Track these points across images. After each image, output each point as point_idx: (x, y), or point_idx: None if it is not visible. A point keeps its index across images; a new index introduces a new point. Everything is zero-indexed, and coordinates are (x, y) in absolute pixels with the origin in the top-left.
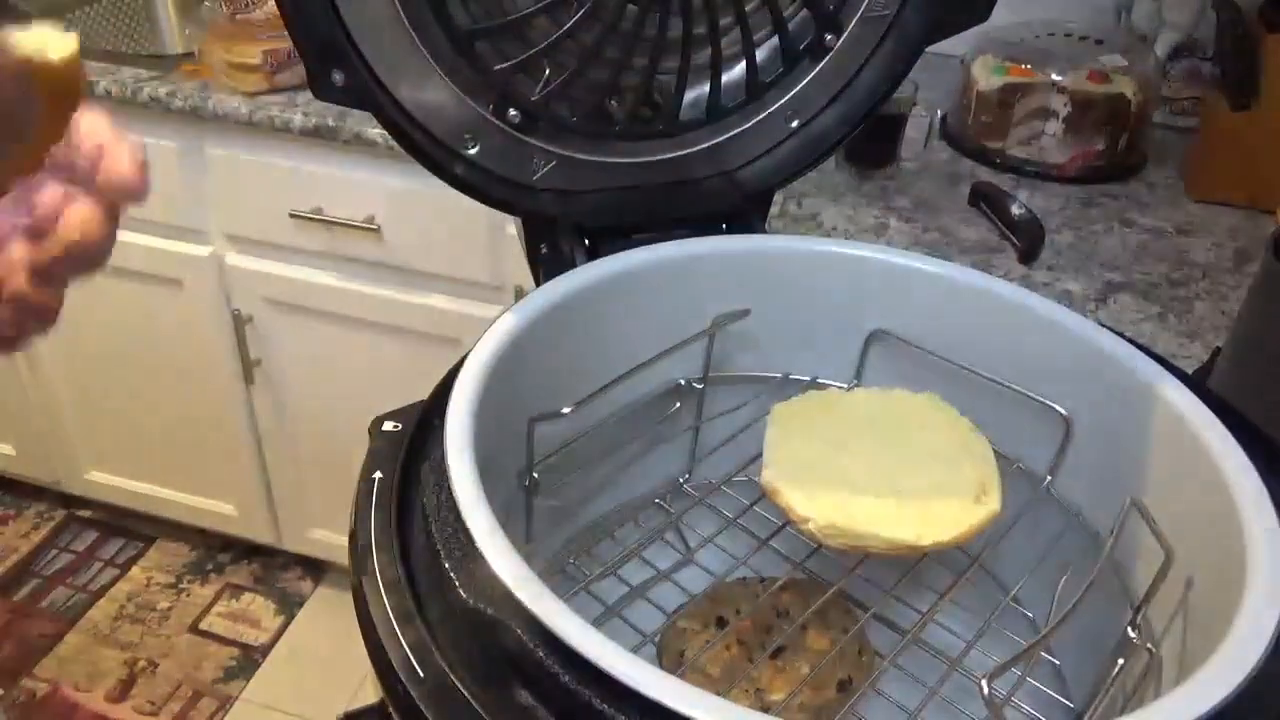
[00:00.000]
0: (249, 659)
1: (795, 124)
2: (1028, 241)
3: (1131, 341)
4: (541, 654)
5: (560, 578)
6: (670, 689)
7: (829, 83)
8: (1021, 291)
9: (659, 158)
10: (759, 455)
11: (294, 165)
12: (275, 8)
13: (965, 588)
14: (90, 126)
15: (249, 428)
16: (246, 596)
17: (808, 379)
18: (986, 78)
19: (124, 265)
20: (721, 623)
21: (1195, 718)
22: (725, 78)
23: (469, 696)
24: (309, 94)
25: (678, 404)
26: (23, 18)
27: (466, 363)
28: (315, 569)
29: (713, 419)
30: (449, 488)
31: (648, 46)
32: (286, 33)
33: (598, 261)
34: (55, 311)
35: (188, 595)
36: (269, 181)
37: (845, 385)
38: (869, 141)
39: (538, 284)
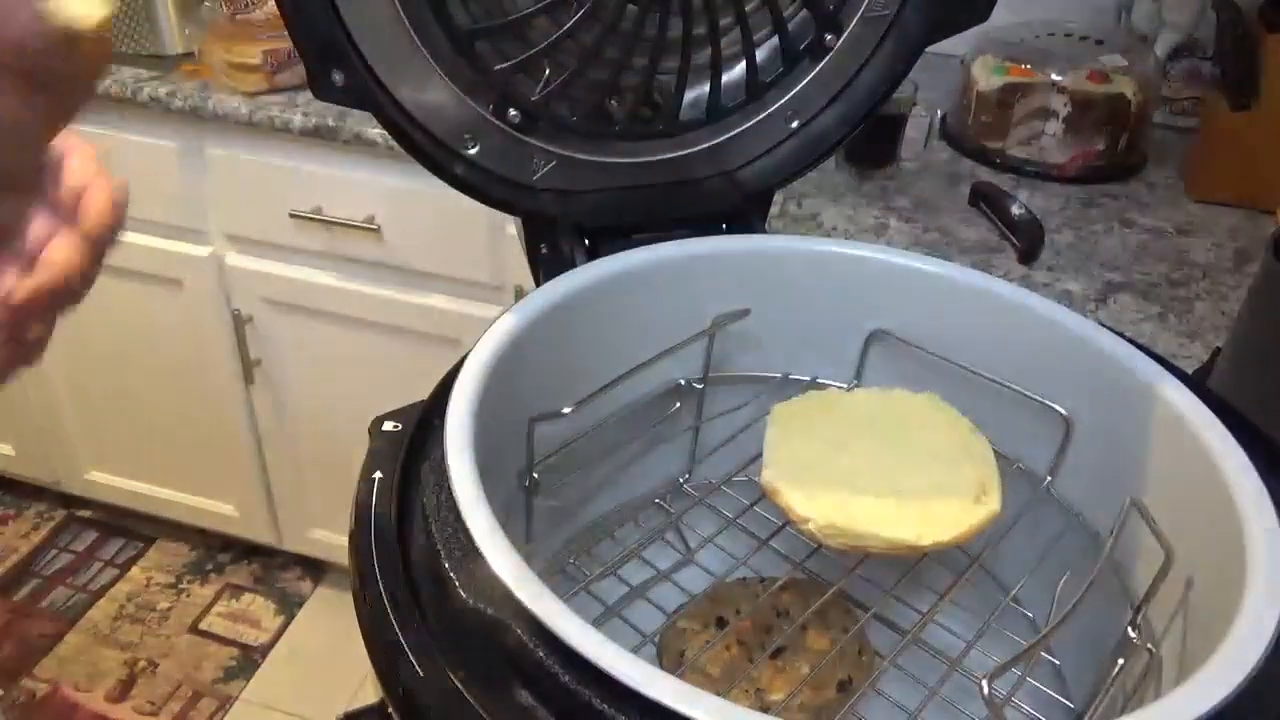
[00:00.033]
0: (249, 659)
1: (795, 124)
2: (1028, 241)
3: (1131, 341)
4: (541, 654)
5: (560, 578)
6: (670, 689)
7: (829, 83)
8: (1021, 291)
9: (659, 158)
10: (759, 455)
11: (294, 165)
12: (275, 8)
13: (965, 588)
14: (77, 163)
15: (249, 428)
16: (246, 596)
17: (808, 379)
18: (986, 78)
19: (124, 265)
20: (721, 623)
21: (1195, 718)
22: (725, 78)
23: (469, 696)
24: (309, 94)
25: (678, 404)
26: None
27: (466, 363)
28: (315, 569)
29: (713, 419)
30: (449, 488)
31: (648, 46)
32: (286, 33)
33: (598, 261)
34: (42, 344)
35: (188, 595)
36: (269, 181)
37: (845, 385)
38: (869, 141)
39: (538, 284)
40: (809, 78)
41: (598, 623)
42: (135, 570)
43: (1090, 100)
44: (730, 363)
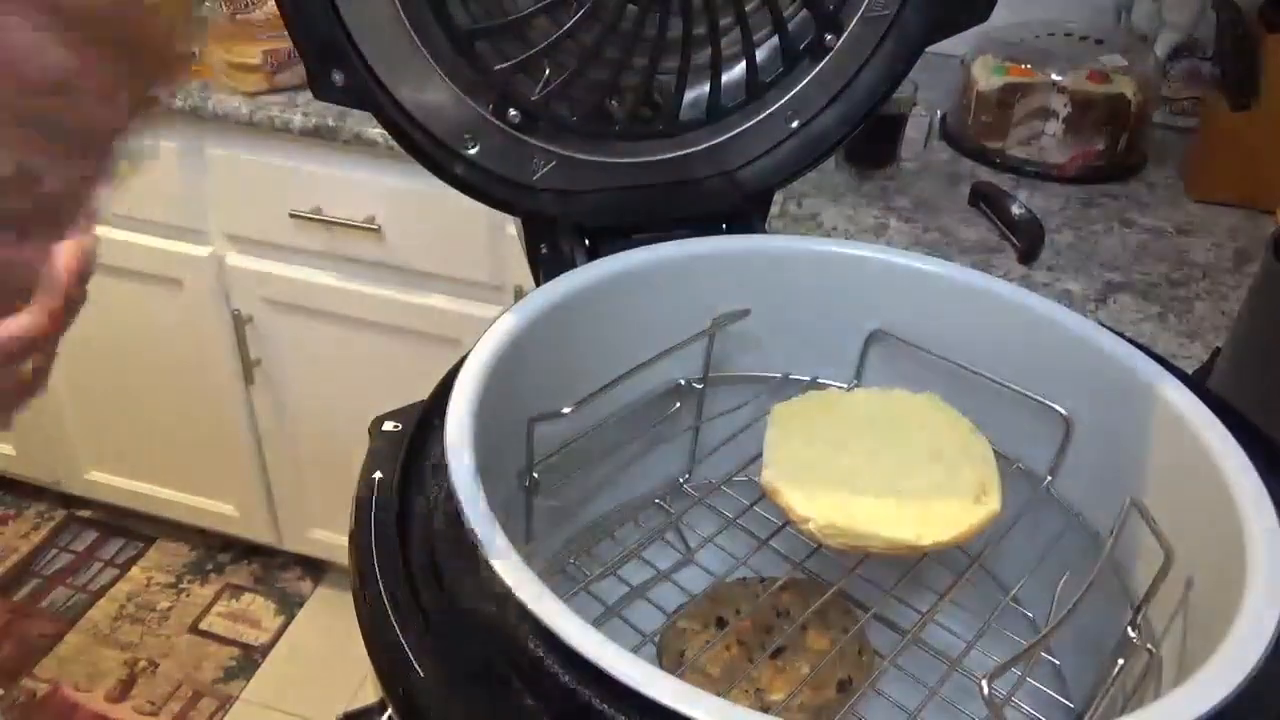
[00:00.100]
0: (249, 659)
1: (795, 124)
2: (1028, 241)
3: (1131, 341)
4: (541, 654)
5: (560, 578)
6: (670, 689)
7: (829, 83)
8: (1021, 291)
9: (659, 158)
10: (759, 455)
11: (294, 165)
12: (275, 8)
13: (965, 588)
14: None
15: (249, 428)
16: (246, 596)
17: (808, 379)
18: (986, 78)
19: (124, 265)
20: (721, 623)
21: (1195, 718)
22: (725, 78)
23: (469, 696)
24: (309, 94)
25: (678, 404)
26: None
27: (466, 363)
28: (315, 569)
29: (713, 419)
30: (449, 488)
31: (648, 46)
32: (286, 33)
33: (598, 261)
34: (43, 374)
35: (188, 595)
36: (269, 181)
37: (845, 385)
38: (869, 141)
39: (538, 284)
40: (809, 78)
41: (598, 623)
42: (135, 570)
43: (1090, 100)
44: (730, 363)
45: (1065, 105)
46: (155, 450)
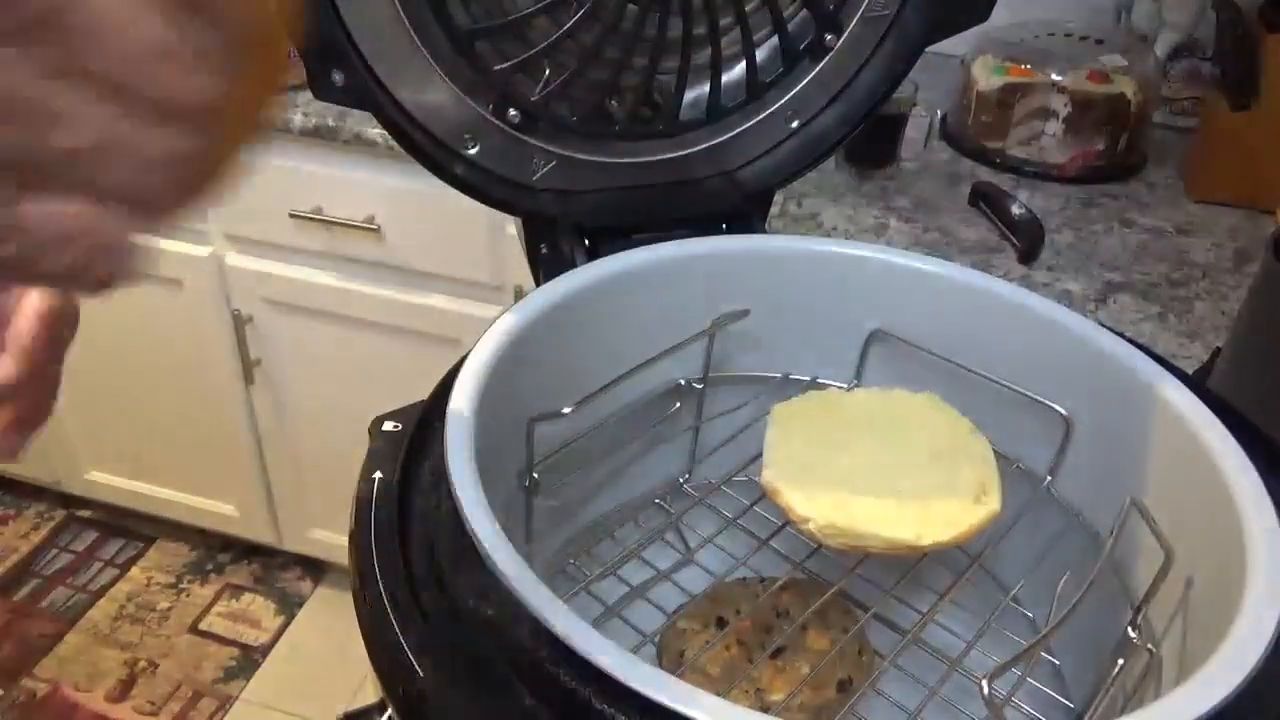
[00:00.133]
0: (249, 659)
1: (795, 124)
2: (1028, 241)
3: (1131, 341)
4: (541, 654)
5: (560, 578)
6: (670, 689)
7: (829, 83)
8: (1021, 291)
9: (659, 158)
10: (759, 455)
11: (294, 165)
12: None
13: (965, 588)
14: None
15: (249, 428)
16: (246, 596)
17: (808, 379)
18: (986, 78)
19: None
20: (721, 623)
21: (1195, 718)
22: (725, 78)
23: (469, 696)
24: (309, 94)
25: (678, 404)
26: None
27: (466, 363)
28: (315, 569)
29: (713, 419)
30: (449, 487)
31: (648, 46)
32: None
33: (598, 261)
34: (44, 405)
35: (188, 595)
36: (269, 181)
37: (845, 385)
38: (869, 141)
39: (538, 284)
40: (809, 78)
41: (598, 623)
42: (135, 570)
43: (1090, 100)
44: (730, 363)
45: (1065, 105)
46: (155, 450)
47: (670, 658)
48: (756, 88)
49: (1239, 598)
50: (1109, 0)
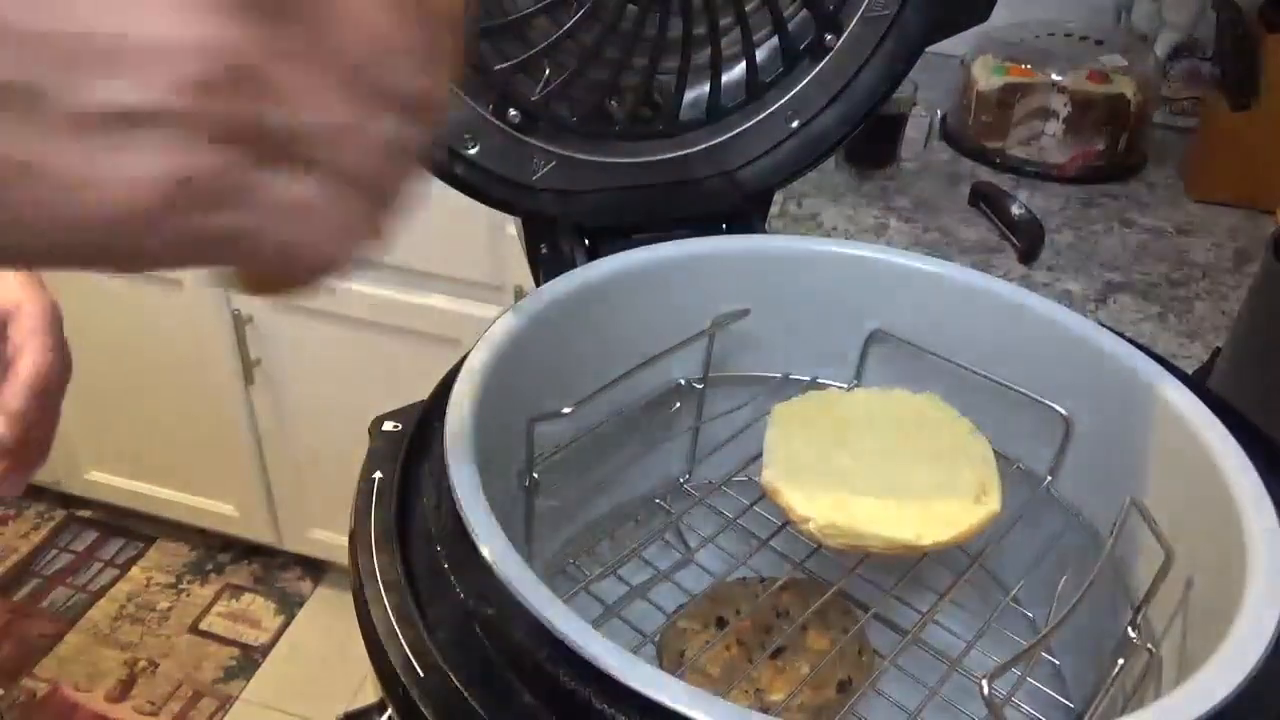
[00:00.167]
0: (249, 659)
1: (795, 124)
2: (1028, 241)
3: (1131, 341)
4: (541, 654)
5: (560, 578)
6: (670, 689)
7: (829, 83)
8: (1021, 291)
9: (659, 158)
10: (759, 455)
11: None
12: None
13: (965, 588)
14: (23, 321)
15: (249, 428)
16: (246, 596)
17: (808, 379)
18: (986, 78)
19: None
20: (721, 623)
21: (1195, 718)
22: (725, 78)
23: (469, 696)
24: None
25: (678, 404)
26: None
27: (466, 363)
28: (315, 569)
29: (713, 419)
30: (449, 488)
31: (648, 46)
32: None
33: (598, 261)
34: (44, 444)
35: (188, 595)
36: None
37: (845, 385)
38: (869, 141)
39: (538, 284)
40: (809, 78)
41: (598, 623)
42: (135, 570)
43: (1090, 100)
44: (730, 363)
45: (1065, 105)
46: (155, 450)
47: (670, 658)
48: (756, 88)
49: (1239, 598)
50: (1109, 0)
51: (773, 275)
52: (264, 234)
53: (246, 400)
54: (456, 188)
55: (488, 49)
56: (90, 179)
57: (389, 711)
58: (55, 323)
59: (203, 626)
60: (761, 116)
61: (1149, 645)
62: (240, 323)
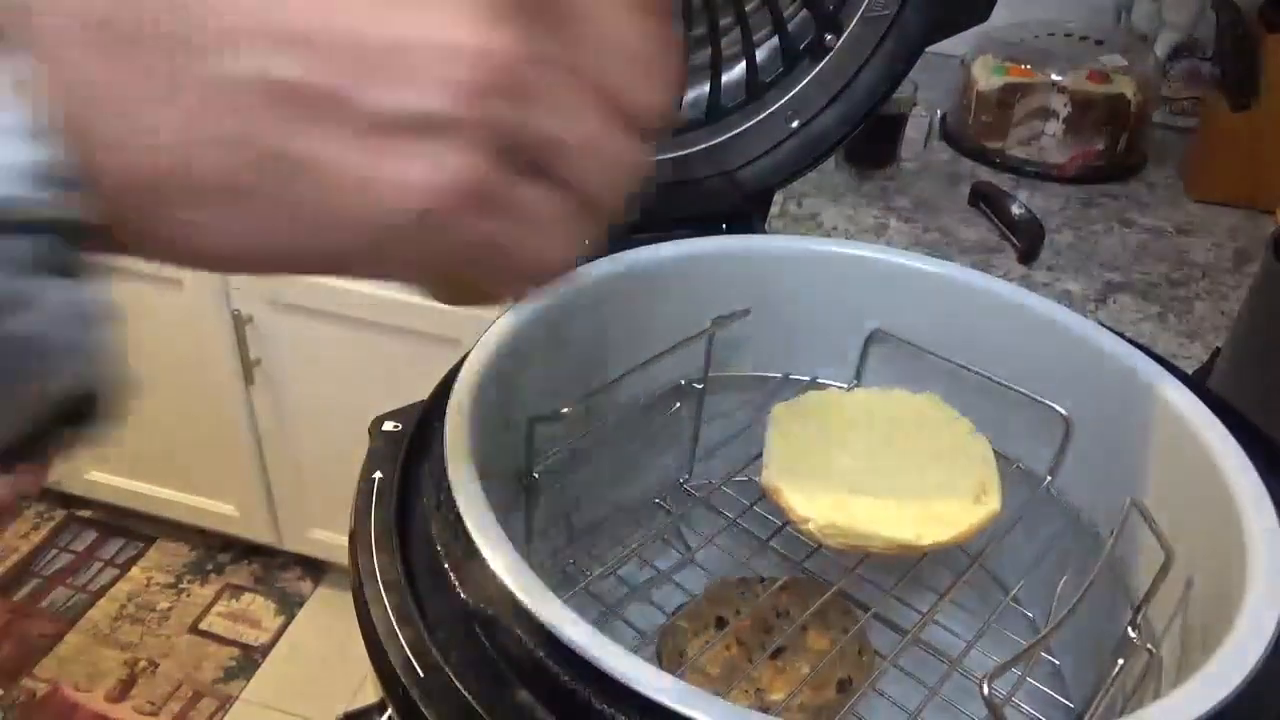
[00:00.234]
0: (249, 659)
1: (795, 124)
2: (1028, 241)
3: (1131, 341)
4: (541, 654)
5: (560, 578)
6: (670, 689)
7: (829, 83)
8: (1021, 291)
9: (659, 158)
10: (759, 455)
11: None
12: None
13: (965, 588)
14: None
15: (249, 428)
16: (246, 596)
17: (808, 379)
18: (986, 78)
19: (124, 265)
20: (721, 623)
21: (1195, 718)
22: (725, 78)
23: (469, 696)
24: None
25: (678, 404)
26: None
27: (467, 363)
28: (315, 569)
29: (713, 419)
30: (449, 488)
31: None
32: None
33: (597, 261)
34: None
35: (188, 595)
36: None
37: (845, 385)
38: (869, 141)
39: None
40: (809, 78)
41: (598, 623)
42: (135, 570)
43: (1090, 100)
44: (730, 363)
45: (1065, 105)
46: (155, 450)
47: (670, 658)
48: (756, 88)
49: (1239, 598)
50: (1109, 0)
51: (773, 275)
52: (517, 243)
53: (246, 400)
54: None
55: None
56: (372, 181)
57: (389, 711)
58: None
59: (203, 626)
60: (761, 116)
61: (1149, 645)
62: (240, 323)
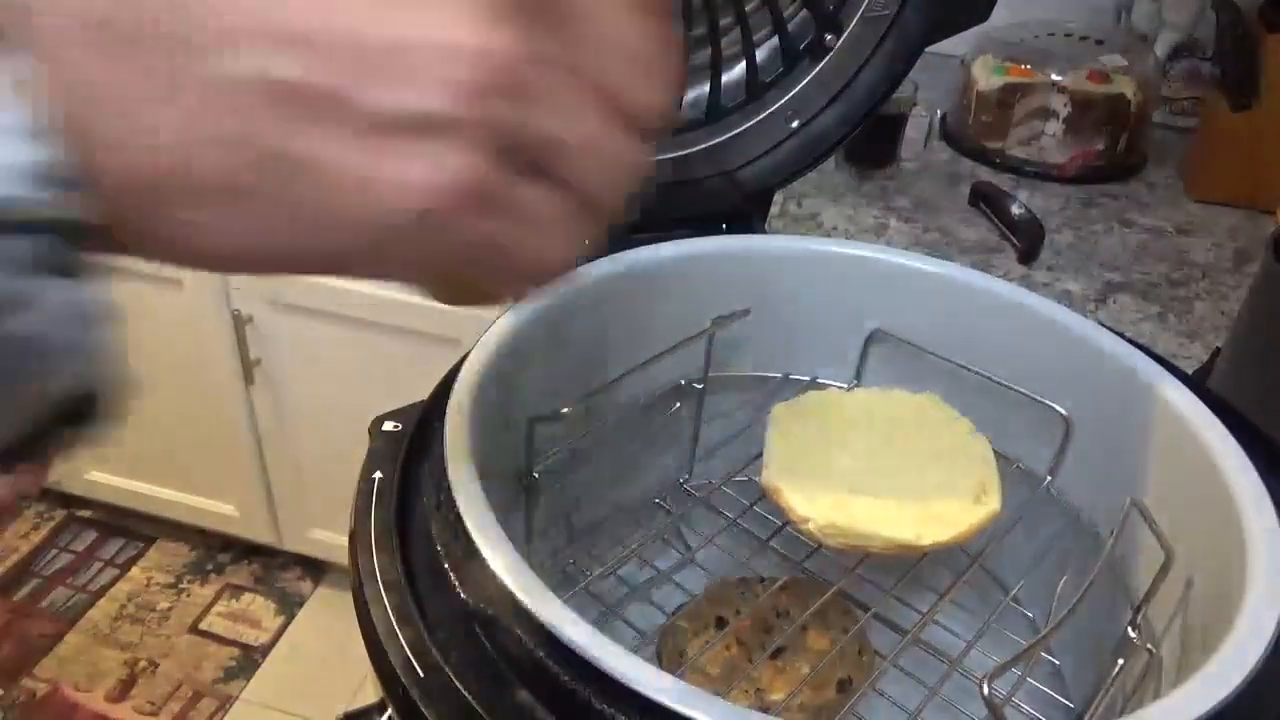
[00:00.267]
0: (249, 659)
1: (795, 124)
2: (1028, 241)
3: (1131, 341)
4: (541, 654)
5: (560, 578)
6: (670, 689)
7: (829, 83)
8: (1020, 291)
9: (659, 158)
10: (759, 455)
11: None
12: None
13: (965, 588)
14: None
15: (249, 428)
16: (246, 596)
17: (808, 379)
18: (986, 78)
19: (125, 265)
20: (721, 623)
21: (1195, 718)
22: (725, 78)
23: (469, 696)
24: None
25: (678, 404)
26: None
27: (467, 362)
28: (315, 569)
29: (713, 419)
30: (449, 488)
31: None
32: None
33: (597, 261)
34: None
35: (188, 595)
36: None
37: (845, 385)
38: (869, 141)
39: None
40: (809, 78)
41: (598, 623)
42: (135, 570)
43: (1090, 100)
44: (730, 363)
45: (1065, 105)
46: (155, 450)
47: (670, 658)
48: (756, 88)
49: (1239, 598)
50: (1109, 0)
51: (773, 275)
52: (517, 243)
53: (246, 400)
54: None
55: None
56: (373, 181)
57: (389, 711)
58: None
59: (203, 626)
60: (761, 116)
61: (1149, 645)
62: (240, 323)
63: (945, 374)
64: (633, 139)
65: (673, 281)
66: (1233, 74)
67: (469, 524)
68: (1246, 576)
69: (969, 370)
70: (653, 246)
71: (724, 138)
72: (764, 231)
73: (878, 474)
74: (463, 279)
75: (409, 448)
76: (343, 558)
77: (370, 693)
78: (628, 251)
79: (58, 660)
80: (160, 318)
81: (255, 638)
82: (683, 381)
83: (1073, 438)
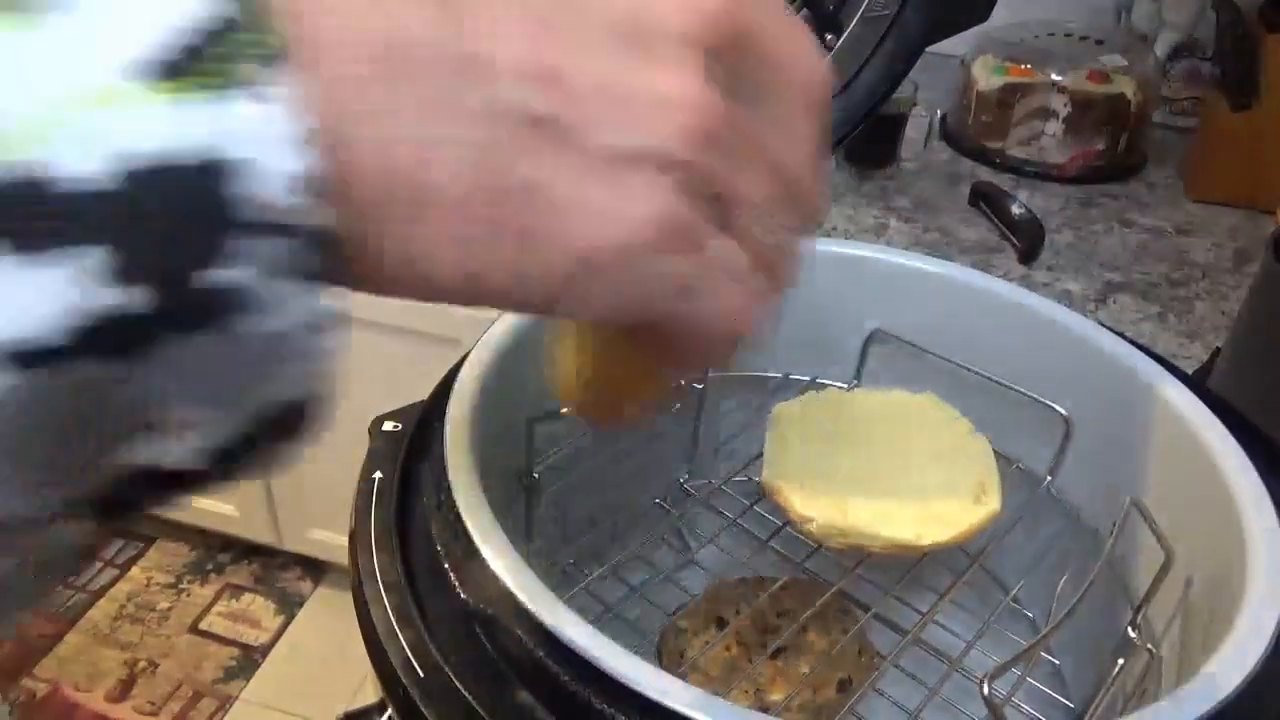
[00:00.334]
0: (249, 659)
1: None
2: (1028, 241)
3: (1131, 341)
4: (541, 654)
5: (560, 578)
6: (670, 689)
7: None
8: (1020, 291)
9: None
10: (759, 455)
11: None
12: None
13: (965, 588)
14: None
15: None
16: (246, 596)
17: (808, 379)
18: (986, 78)
19: None
20: (721, 623)
21: (1195, 718)
22: None
23: (469, 696)
24: None
25: (678, 404)
26: None
27: (467, 363)
28: (315, 569)
29: (713, 419)
30: (449, 488)
31: None
32: None
33: None
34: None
35: (188, 595)
36: None
37: (845, 385)
38: (869, 141)
39: None
40: None
41: (598, 623)
42: (135, 570)
43: (1090, 100)
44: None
45: (1065, 105)
46: None
47: (670, 658)
48: None
49: (1239, 598)
50: (1109, 0)
51: None
52: (710, 290)
53: None
54: None
55: None
56: (585, 209)
57: (389, 711)
58: None
59: (203, 626)
60: None
61: (1149, 645)
62: None
63: (945, 374)
64: (794, 227)
65: None
66: (1233, 74)
67: (469, 524)
68: (1246, 576)
69: (969, 370)
70: None
71: None
72: None
73: (878, 474)
74: (667, 332)
75: (409, 448)
76: (343, 558)
77: (370, 693)
78: None
79: (58, 660)
80: None
81: (255, 638)
82: (682, 382)
83: (1073, 438)
